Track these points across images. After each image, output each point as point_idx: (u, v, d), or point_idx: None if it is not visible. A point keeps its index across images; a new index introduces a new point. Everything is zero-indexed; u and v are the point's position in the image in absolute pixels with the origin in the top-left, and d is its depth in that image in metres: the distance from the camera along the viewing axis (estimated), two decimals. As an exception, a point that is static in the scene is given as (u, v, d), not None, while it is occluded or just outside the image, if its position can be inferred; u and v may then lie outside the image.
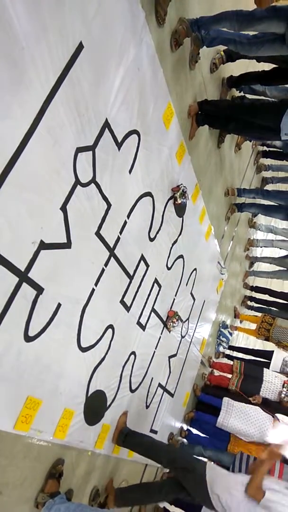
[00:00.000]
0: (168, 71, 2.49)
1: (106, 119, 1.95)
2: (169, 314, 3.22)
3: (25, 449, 1.89)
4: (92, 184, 1.96)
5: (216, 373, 4.83)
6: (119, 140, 2.10)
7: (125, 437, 2.65)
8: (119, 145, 2.10)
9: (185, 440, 4.11)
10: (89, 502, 2.58)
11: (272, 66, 3.26)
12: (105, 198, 2.09)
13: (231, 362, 4.75)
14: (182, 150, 2.88)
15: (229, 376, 4.44)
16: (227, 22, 2.41)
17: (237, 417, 3.94)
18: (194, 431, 4.27)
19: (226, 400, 4.09)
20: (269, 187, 5.72)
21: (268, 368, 4.61)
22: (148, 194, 2.55)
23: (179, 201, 2.89)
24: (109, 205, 2.14)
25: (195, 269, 3.74)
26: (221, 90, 3.54)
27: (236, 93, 3.85)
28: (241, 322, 6.08)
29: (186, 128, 2.94)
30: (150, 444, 2.70)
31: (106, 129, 1.96)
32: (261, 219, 6.10)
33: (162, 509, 3.85)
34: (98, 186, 2.01)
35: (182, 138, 2.85)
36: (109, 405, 2.55)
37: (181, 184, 2.91)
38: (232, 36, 2.60)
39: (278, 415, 3.92)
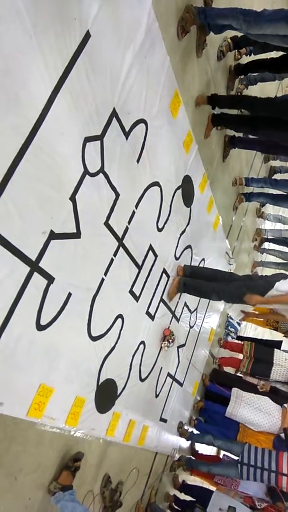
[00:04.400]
0: (175, 59, 2.47)
1: (114, 108, 1.95)
2: (165, 333, 3.12)
3: (38, 436, 1.93)
4: (101, 174, 1.97)
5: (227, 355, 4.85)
6: (127, 129, 2.10)
7: (183, 285, 3.06)
8: (126, 134, 2.10)
9: (194, 429, 4.15)
10: (100, 488, 2.63)
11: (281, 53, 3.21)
12: (113, 188, 2.10)
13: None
14: (190, 139, 2.87)
15: (240, 356, 4.43)
16: (234, 21, 2.38)
17: (246, 407, 3.97)
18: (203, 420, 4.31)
19: (235, 390, 4.12)
20: (277, 176, 5.67)
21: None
22: (156, 183, 2.54)
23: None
24: (117, 195, 2.14)
25: (203, 259, 3.74)
26: (228, 78, 3.49)
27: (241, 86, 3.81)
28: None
29: (194, 117, 2.92)
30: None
31: (114, 118, 1.96)
32: (269, 209, 6.06)
33: (173, 496, 3.91)
34: (106, 176, 2.01)
35: (189, 127, 2.84)
36: (120, 394, 2.58)
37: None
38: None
39: (287, 405, 3.94)
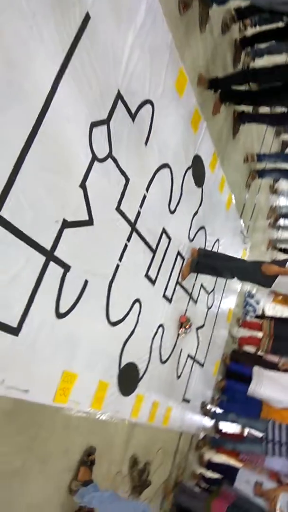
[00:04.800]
0: (178, 36, 2.41)
1: (118, 90, 1.92)
2: (182, 320, 3.12)
3: (65, 421, 1.97)
4: (109, 159, 1.95)
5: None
6: (133, 111, 2.06)
7: (196, 264, 3.06)
8: (133, 116, 2.07)
9: (217, 408, 4.19)
10: (128, 469, 2.69)
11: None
12: (123, 173, 2.08)
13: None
14: (198, 118, 2.82)
15: (260, 335, 4.41)
16: None
17: (268, 385, 3.97)
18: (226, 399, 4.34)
19: (256, 369, 4.12)
20: None
21: None
22: (166, 165, 2.51)
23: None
24: (127, 179, 2.13)
25: (217, 240, 3.71)
26: (234, 51, 3.39)
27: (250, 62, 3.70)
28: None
29: (200, 95, 2.86)
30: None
31: (119, 100, 1.93)
32: (283, 185, 5.93)
33: (200, 474, 3.98)
34: (115, 160, 2.00)
35: (196, 105, 2.78)
36: (142, 377, 2.61)
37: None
38: None
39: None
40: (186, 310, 3.21)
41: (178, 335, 3.10)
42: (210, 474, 4.08)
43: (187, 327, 3.12)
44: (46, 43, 1.49)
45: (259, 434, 3.83)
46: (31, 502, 1.81)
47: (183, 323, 3.10)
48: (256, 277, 2.89)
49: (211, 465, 4.12)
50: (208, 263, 3.08)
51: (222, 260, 3.11)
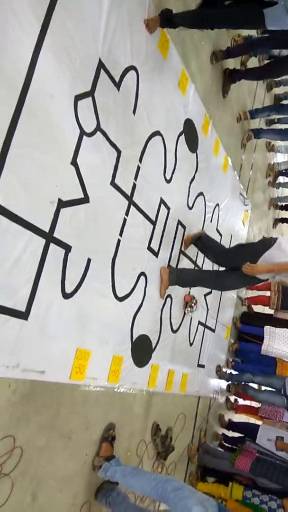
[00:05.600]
0: (156, -6, 2.29)
1: (99, 59, 1.84)
2: (186, 299, 3.09)
3: (83, 396, 2.02)
4: (98, 132, 1.90)
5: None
6: (117, 80, 1.99)
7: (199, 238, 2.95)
8: (117, 85, 2.00)
9: (232, 370, 4.27)
10: (151, 437, 2.77)
11: None
12: (113, 145, 2.03)
13: None
14: (185, 79, 2.72)
15: (268, 294, 4.44)
16: None
17: (280, 341, 4.02)
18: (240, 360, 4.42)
19: (267, 328, 4.16)
20: (284, 103, 5.36)
21: None
22: (157, 133, 2.45)
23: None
24: (118, 152, 2.08)
25: (217, 205, 3.66)
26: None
27: None
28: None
29: (185, 55, 2.75)
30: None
31: (102, 70, 1.86)
32: (280, 141, 5.79)
33: (221, 435, 4.10)
34: (104, 133, 1.94)
35: (182, 65, 2.68)
36: (155, 347, 2.64)
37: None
38: None
39: None
40: (189, 293, 3.16)
41: (185, 313, 3.11)
42: (231, 433, 4.21)
43: (192, 305, 3.13)
44: (19, 15, 1.42)
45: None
46: (59, 476, 1.87)
47: (188, 302, 3.11)
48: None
49: (231, 425, 4.24)
50: (207, 243, 3.03)
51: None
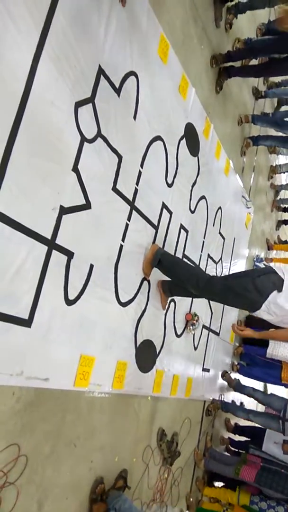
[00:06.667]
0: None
1: (99, 65, 1.85)
2: (187, 318, 3.05)
3: (88, 403, 2.01)
4: (99, 138, 1.90)
5: None
6: (117, 85, 1.99)
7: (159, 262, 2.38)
8: (118, 91, 2.00)
9: (239, 374, 4.24)
10: (157, 442, 2.75)
11: None
12: (114, 151, 2.03)
13: None
14: (185, 83, 2.72)
15: None
16: None
17: (286, 344, 3.99)
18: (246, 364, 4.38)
19: (272, 330, 4.12)
20: (284, 108, 5.35)
21: None
22: (158, 138, 2.45)
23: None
24: (120, 157, 2.08)
25: (219, 208, 3.66)
26: (214, 8, 3.24)
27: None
28: (276, 253, 6.00)
29: (185, 59, 2.75)
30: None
31: (102, 76, 1.87)
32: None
33: (228, 439, 4.05)
34: (105, 139, 1.94)
35: (182, 70, 2.68)
36: (159, 352, 2.63)
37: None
38: None
39: None
40: (189, 312, 3.13)
41: (188, 331, 3.07)
42: (238, 437, 4.17)
43: (194, 322, 3.09)
44: (18, 22, 1.42)
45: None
46: (65, 483, 1.86)
47: (189, 320, 3.06)
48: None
49: (238, 429, 4.21)
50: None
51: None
